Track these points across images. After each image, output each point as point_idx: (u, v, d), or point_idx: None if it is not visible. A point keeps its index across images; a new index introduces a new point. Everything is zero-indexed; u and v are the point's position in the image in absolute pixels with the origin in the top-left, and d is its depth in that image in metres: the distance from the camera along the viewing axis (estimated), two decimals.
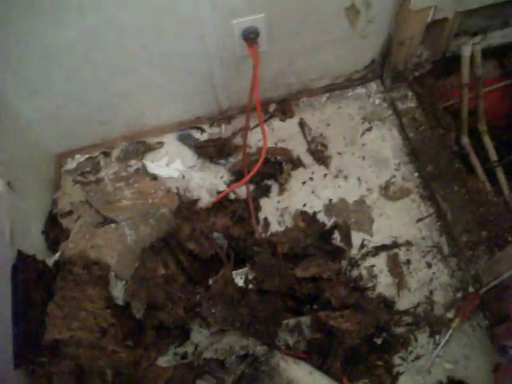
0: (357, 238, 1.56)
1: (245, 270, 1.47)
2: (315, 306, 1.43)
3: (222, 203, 1.61)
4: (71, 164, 1.75)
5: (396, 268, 1.50)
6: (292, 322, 1.39)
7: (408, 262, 1.51)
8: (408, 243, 1.54)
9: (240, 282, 1.45)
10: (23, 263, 1.31)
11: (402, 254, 1.52)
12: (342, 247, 1.54)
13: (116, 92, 1.58)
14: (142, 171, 1.68)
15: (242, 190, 1.64)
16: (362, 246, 1.55)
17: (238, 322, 1.36)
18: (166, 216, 1.52)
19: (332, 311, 1.38)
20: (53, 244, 1.53)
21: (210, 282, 1.42)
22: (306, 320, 1.39)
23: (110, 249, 1.45)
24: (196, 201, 1.62)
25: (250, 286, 1.45)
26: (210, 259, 1.47)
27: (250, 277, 1.46)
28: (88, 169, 1.70)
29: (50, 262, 1.44)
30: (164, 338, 1.38)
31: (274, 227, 1.60)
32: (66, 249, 1.46)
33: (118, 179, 1.66)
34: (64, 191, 1.65)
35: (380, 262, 1.52)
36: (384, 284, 1.48)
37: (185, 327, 1.39)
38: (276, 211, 1.63)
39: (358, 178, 1.65)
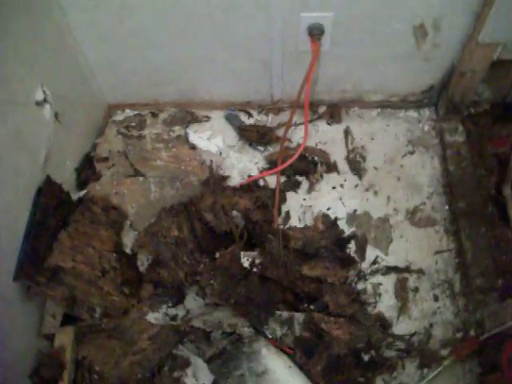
0: (371, 253, 1.54)
1: (253, 253, 1.48)
2: (312, 307, 1.42)
3: (250, 187, 1.61)
4: (120, 116, 1.80)
5: (402, 292, 1.47)
6: (285, 314, 1.38)
7: (416, 289, 1.48)
8: (420, 271, 1.50)
9: (246, 263, 1.46)
10: (49, 188, 1.35)
11: (412, 281, 1.49)
12: (355, 258, 1.52)
13: (176, 57, 1.61)
14: (183, 138, 1.71)
15: (273, 181, 1.65)
16: (375, 262, 1.52)
17: (232, 299, 1.37)
18: (193, 184, 1.54)
19: (327, 316, 1.37)
20: (82, 183, 1.58)
21: (217, 255, 1.43)
22: (299, 316, 1.38)
23: (132, 199, 1.49)
24: (226, 178, 1.64)
25: (254, 269, 1.45)
26: (224, 235, 1.48)
27: (257, 261, 1.46)
28: (134, 124, 1.75)
29: (75, 196, 1.48)
30: (159, 296, 1.40)
31: (294, 222, 1.60)
32: (92, 189, 1.50)
33: (158, 140, 1.69)
34: (106, 139, 1.69)
35: (388, 282, 1.49)
36: (386, 304, 1.46)
37: (181, 291, 1.41)
38: (300, 207, 1.63)
39: (387, 196, 1.63)
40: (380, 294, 1.47)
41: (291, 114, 1.58)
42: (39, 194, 1.33)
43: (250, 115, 1.81)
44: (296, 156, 1.59)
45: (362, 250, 1.54)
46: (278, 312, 1.38)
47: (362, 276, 1.50)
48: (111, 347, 1.35)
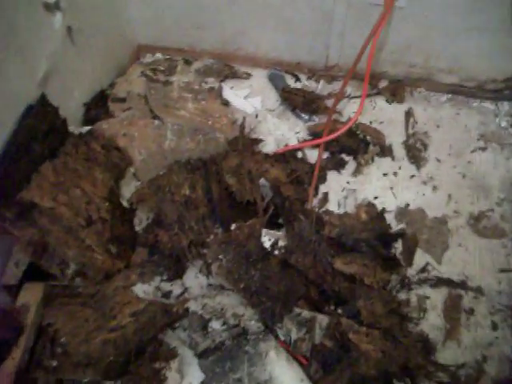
0: (421, 258, 1.24)
1: (278, 233, 1.17)
2: (340, 310, 1.12)
3: (286, 157, 1.33)
4: (148, 59, 1.54)
5: (453, 312, 1.16)
6: (306, 314, 1.08)
7: (471, 311, 1.16)
8: (479, 290, 1.19)
9: (267, 243, 1.15)
10: (41, 109, 1.08)
11: (467, 300, 1.18)
12: (400, 261, 1.20)
13: None
14: (216, 92, 1.43)
15: (313, 155, 1.35)
16: (424, 269, 1.22)
17: (243, 283, 1.07)
18: (218, 141, 1.25)
19: (358, 324, 1.06)
20: (88, 121, 1.31)
21: (233, 227, 1.12)
22: (323, 319, 1.08)
23: (142, 144, 1.19)
24: (258, 141, 1.35)
25: (276, 252, 1.14)
26: (245, 204, 1.18)
27: (280, 243, 1.15)
28: (162, 68, 1.49)
29: (76, 130, 1.19)
30: (153, 265, 1.10)
31: (332, 206, 1.31)
32: (98, 127, 1.22)
33: (187, 90, 1.42)
34: (127, 78, 1.44)
35: (437, 296, 1.19)
36: (432, 323, 1.15)
37: (182, 263, 1.12)
38: (341, 191, 1.34)
39: (448, 194, 1.33)
40: (426, 310, 1.18)
41: (345, 81, 1.27)
42: (28, 112, 1.05)
43: (297, 79, 1.53)
44: (345, 129, 1.30)
45: (410, 253, 1.23)
46: (297, 309, 1.10)
47: (406, 284, 1.20)
48: (84, 318, 1.05)
